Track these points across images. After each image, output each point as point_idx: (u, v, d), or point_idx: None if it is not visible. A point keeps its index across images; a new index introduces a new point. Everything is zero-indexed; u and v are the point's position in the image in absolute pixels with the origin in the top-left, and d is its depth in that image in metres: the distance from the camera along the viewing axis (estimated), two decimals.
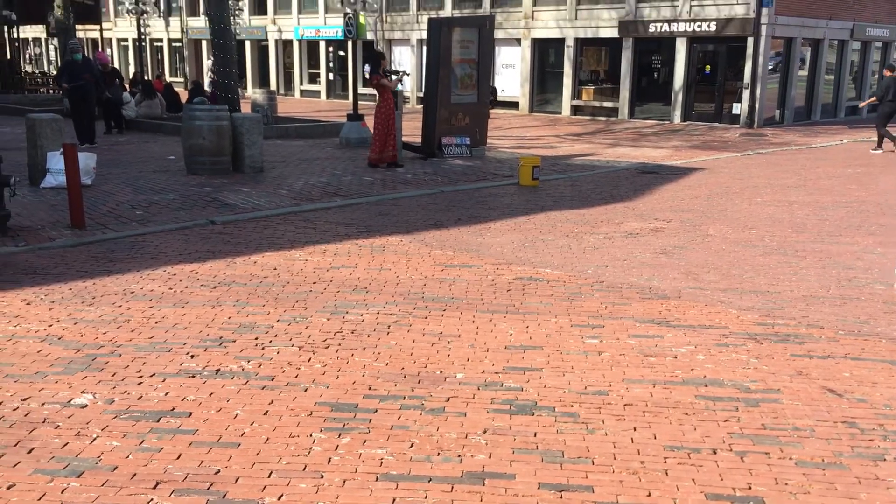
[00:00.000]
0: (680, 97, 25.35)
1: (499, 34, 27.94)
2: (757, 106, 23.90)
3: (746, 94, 23.93)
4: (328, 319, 5.71)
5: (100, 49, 37.31)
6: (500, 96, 30.01)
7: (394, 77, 14.17)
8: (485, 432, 4.01)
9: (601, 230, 8.97)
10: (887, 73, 17.66)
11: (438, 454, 3.80)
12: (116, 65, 42.99)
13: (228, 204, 10.11)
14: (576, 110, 28.01)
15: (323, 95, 36.81)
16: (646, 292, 6.48)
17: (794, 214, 10.13)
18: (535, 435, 3.99)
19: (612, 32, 26.56)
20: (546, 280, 6.82)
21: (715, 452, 3.85)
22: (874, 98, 17.75)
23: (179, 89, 30.04)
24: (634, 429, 4.07)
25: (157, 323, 5.62)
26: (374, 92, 14.53)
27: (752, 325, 5.70)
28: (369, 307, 6.00)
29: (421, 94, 25.25)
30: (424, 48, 21.38)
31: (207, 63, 33.99)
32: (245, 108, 20.45)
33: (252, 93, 29.66)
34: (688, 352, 5.17)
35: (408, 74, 16.47)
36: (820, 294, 6.52)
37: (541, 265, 7.33)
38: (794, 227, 9.29)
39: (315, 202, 10.39)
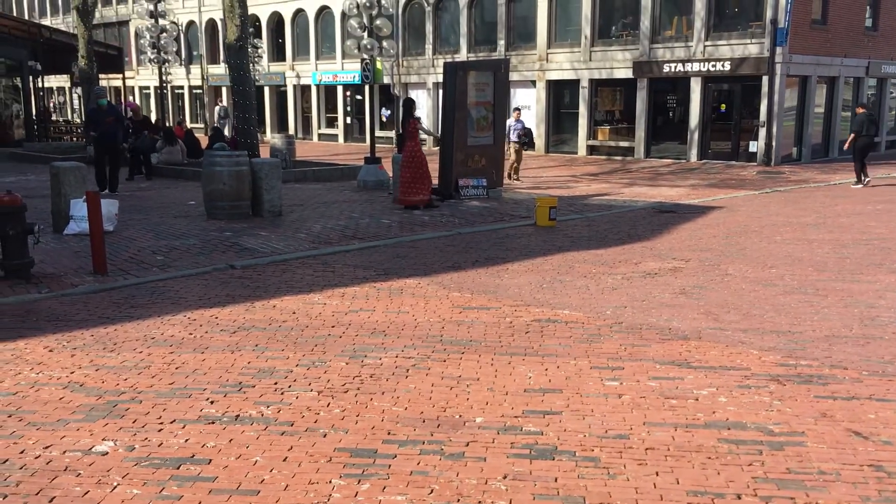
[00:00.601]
0: (696, 136, 25.43)
1: (514, 76, 28.23)
2: (774, 144, 23.90)
3: (763, 132, 23.96)
4: (347, 363, 5.72)
5: (123, 98, 38.10)
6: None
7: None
8: (505, 478, 3.98)
9: (619, 270, 8.96)
10: (859, 110, 18.78)
11: (458, 500, 3.77)
12: None
13: (248, 248, 10.21)
14: (592, 150, 28.14)
15: (340, 139, 37.26)
16: (665, 333, 6.45)
17: (815, 252, 10.07)
18: (556, 480, 3.96)
19: (626, 73, 26.79)
20: (564, 322, 6.80)
21: (739, 498, 3.80)
22: (853, 135, 18.37)
23: (200, 135, 30.55)
24: (657, 473, 4.03)
25: (177, 369, 5.65)
26: (392, 134, 14.78)
27: (775, 366, 5.65)
28: (388, 351, 6.00)
29: (437, 137, 25.51)
30: (441, 91, 21.65)
31: (216, 109, 34.52)
32: (264, 152, 20.73)
33: (271, 137, 30.09)
34: (709, 394, 5.12)
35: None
36: (843, 334, 6.46)
37: (559, 306, 7.32)
38: (815, 266, 9.22)
39: (333, 245, 10.47)
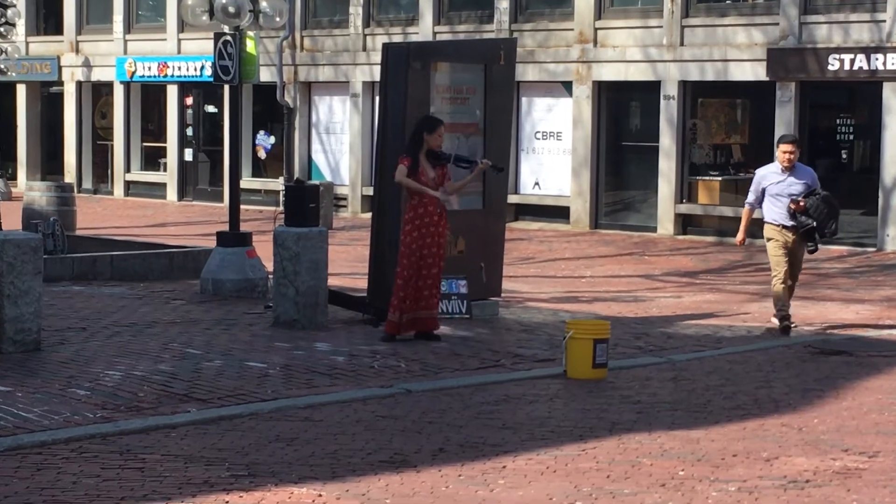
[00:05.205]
0: (894, 201, 25.88)
1: (528, 73, 28.81)
2: None
3: None
4: None
5: None
6: (534, 195, 30.54)
7: (462, 166, 13.98)
8: None
9: (734, 474, 9.02)
10: None
11: None
12: None
13: None
14: (686, 223, 28.45)
15: (171, 193, 37.52)
16: None
17: None
18: None
19: (754, 71, 27.39)
20: None
21: None
22: None
23: None
24: None
25: None
26: (279, 185, 14.75)
27: None
28: None
29: (369, 193, 25.65)
30: (377, 100, 22.04)
31: None
32: (10, 219, 20.80)
33: (25, 188, 30.21)
34: None
35: (500, 170, 14.98)
36: None
37: None
38: None
39: (145, 414, 10.45)
